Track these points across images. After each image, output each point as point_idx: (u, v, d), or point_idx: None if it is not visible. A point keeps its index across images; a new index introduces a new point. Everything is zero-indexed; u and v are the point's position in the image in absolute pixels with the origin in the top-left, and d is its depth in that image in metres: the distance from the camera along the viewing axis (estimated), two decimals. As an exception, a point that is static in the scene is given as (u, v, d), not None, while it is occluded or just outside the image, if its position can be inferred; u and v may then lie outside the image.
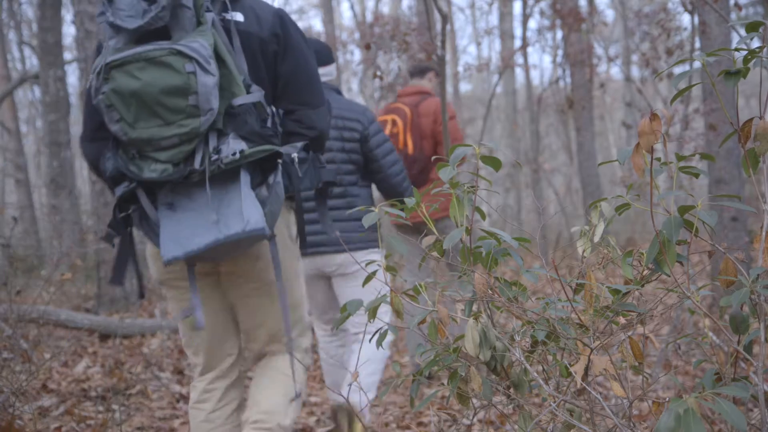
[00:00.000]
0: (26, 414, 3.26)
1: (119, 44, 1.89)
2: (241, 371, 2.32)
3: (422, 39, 7.52)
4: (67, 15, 13.40)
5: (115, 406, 3.65)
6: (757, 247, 1.39)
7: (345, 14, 35.57)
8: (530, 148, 11.90)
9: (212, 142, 1.92)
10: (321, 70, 3.19)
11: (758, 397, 1.29)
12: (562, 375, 1.62)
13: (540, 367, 1.65)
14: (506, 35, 12.75)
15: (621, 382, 1.46)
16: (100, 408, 3.65)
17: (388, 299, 1.66)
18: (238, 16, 2.06)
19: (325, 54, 3.28)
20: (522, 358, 1.53)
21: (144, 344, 5.24)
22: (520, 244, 1.63)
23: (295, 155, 2.07)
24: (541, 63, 36.43)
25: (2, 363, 3.43)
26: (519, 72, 14.38)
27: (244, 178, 1.94)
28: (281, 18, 2.12)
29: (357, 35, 12.39)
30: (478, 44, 21.93)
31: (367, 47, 7.25)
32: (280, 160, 2.01)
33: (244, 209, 1.89)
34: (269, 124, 2.04)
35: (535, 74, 33.12)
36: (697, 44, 6.29)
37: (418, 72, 4.51)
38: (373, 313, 1.67)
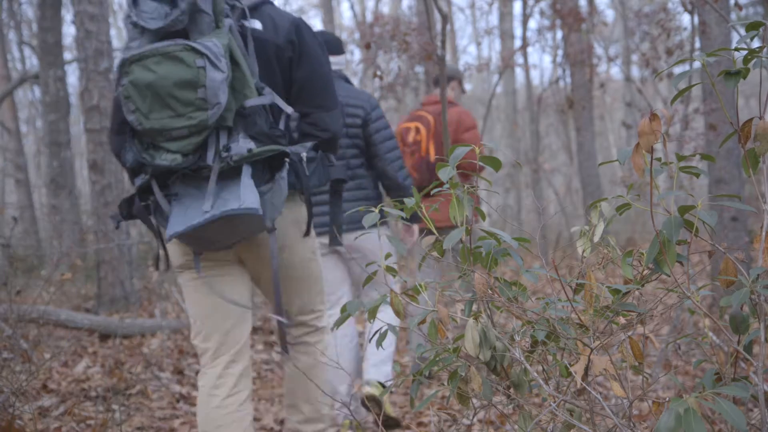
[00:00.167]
0: (26, 414, 3.26)
1: (142, 45, 2.03)
2: (250, 360, 2.40)
3: (422, 39, 7.52)
4: (67, 15, 13.40)
5: (115, 406, 3.65)
6: (757, 247, 1.39)
7: (345, 14, 35.59)
8: (530, 148, 11.90)
9: (223, 140, 2.05)
10: (332, 59, 3.29)
11: (758, 397, 1.29)
12: (562, 375, 1.62)
13: (540, 367, 1.65)
14: (506, 35, 12.75)
15: (621, 382, 1.46)
16: (100, 408, 3.65)
17: (389, 299, 1.66)
18: (257, 24, 2.20)
19: (335, 45, 3.45)
20: (522, 358, 1.53)
21: (144, 344, 5.24)
22: (520, 244, 1.63)
23: (304, 154, 2.19)
24: (541, 63, 36.45)
25: (2, 363, 3.43)
26: (519, 72, 14.38)
27: (246, 170, 2.06)
28: (297, 26, 2.25)
29: (357, 35, 12.39)
30: (478, 44, 21.93)
31: (367, 47, 7.25)
32: (287, 159, 2.13)
33: (242, 192, 2.02)
34: (282, 125, 2.18)
35: (535, 74, 33.13)
36: (697, 44, 6.28)
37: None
38: (372, 313, 1.67)
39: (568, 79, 10.69)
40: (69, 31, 20.19)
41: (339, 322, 1.67)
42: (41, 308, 4.79)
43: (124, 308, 6.59)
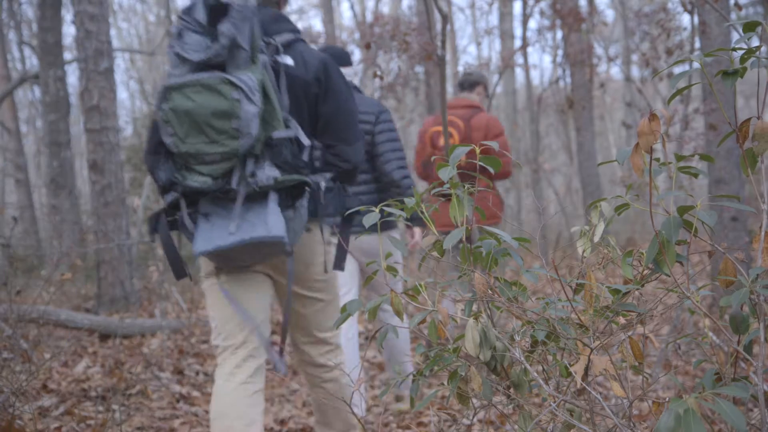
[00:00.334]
0: (26, 414, 3.26)
1: (183, 73, 2.20)
2: (264, 362, 2.52)
3: (422, 39, 7.53)
4: (67, 15, 13.40)
5: (115, 406, 3.65)
6: (756, 247, 1.39)
7: (345, 14, 35.57)
8: (530, 148, 11.90)
9: (250, 167, 2.22)
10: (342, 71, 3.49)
11: (758, 397, 1.29)
12: (562, 375, 1.62)
13: (540, 367, 1.65)
14: (506, 35, 12.75)
15: (621, 382, 1.46)
16: (100, 408, 3.65)
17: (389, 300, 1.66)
18: (289, 60, 2.37)
19: (344, 57, 3.64)
20: (522, 358, 1.53)
21: (144, 344, 5.24)
22: (520, 244, 1.63)
23: (322, 184, 2.37)
24: (541, 63, 36.40)
25: (2, 363, 3.43)
26: (519, 72, 14.39)
27: (273, 197, 2.25)
28: (325, 64, 2.43)
29: (357, 35, 12.39)
30: (478, 44, 21.93)
31: (367, 47, 7.25)
32: (307, 188, 2.31)
33: (269, 219, 2.20)
34: (305, 156, 2.33)
35: (535, 74, 33.13)
36: (697, 44, 6.28)
37: (468, 85, 4.68)
38: (373, 313, 1.67)
39: (568, 79, 10.69)
40: (69, 31, 20.21)
41: (339, 322, 1.68)
42: (41, 308, 4.79)
43: (124, 308, 6.59)
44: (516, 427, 1.60)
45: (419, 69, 10.72)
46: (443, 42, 4.36)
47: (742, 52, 1.33)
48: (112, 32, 18.77)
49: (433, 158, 4.24)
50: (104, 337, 5.36)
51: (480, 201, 4.41)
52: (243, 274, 2.43)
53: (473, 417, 1.79)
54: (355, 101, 2.53)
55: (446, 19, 4.33)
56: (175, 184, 2.27)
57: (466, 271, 1.60)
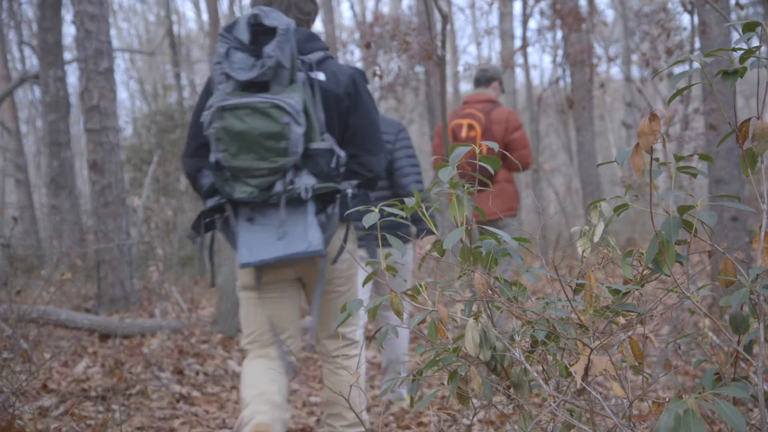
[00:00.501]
0: (26, 414, 3.26)
1: (229, 89, 2.42)
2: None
3: (422, 39, 7.52)
4: (67, 15, 13.40)
5: (115, 406, 3.65)
6: (756, 247, 1.39)
7: (345, 14, 35.58)
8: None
9: (290, 176, 2.44)
10: None
11: (758, 397, 1.29)
12: (562, 375, 1.62)
13: (540, 367, 1.65)
14: (506, 35, 12.74)
15: (621, 382, 1.46)
16: (100, 408, 3.65)
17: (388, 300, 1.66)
18: (321, 76, 2.55)
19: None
20: (522, 358, 1.53)
21: (144, 344, 5.24)
22: (520, 244, 1.63)
23: (349, 191, 2.57)
24: (541, 63, 36.36)
25: (2, 363, 3.43)
26: (519, 72, 14.37)
27: (311, 208, 2.48)
28: (354, 80, 2.61)
29: (357, 35, 12.39)
30: (478, 44, 21.93)
31: (367, 47, 7.25)
32: (338, 195, 2.54)
33: (308, 234, 2.44)
34: (334, 164, 2.53)
35: (535, 74, 33.13)
36: (697, 44, 6.28)
37: (484, 81, 4.79)
38: (372, 313, 1.67)
39: (568, 79, 10.69)
40: (69, 31, 20.21)
41: (340, 322, 1.68)
42: (41, 308, 4.79)
43: (124, 308, 6.59)
44: (516, 427, 1.60)
45: (419, 69, 10.71)
46: (443, 42, 4.36)
47: (742, 52, 1.33)
48: (112, 32, 18.77)
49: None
50: (104, 337, 5.36)
51: (500, 194, 4.59)
52: (278, 285, 2.64)
53: (473, 417, 1.79)
54: (378, 115, 2.71)
55: (446, 19, 4.32)
56: (218, 191, 2.50)
57: (466, 271, 1.60)
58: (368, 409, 3.92)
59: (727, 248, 1.43)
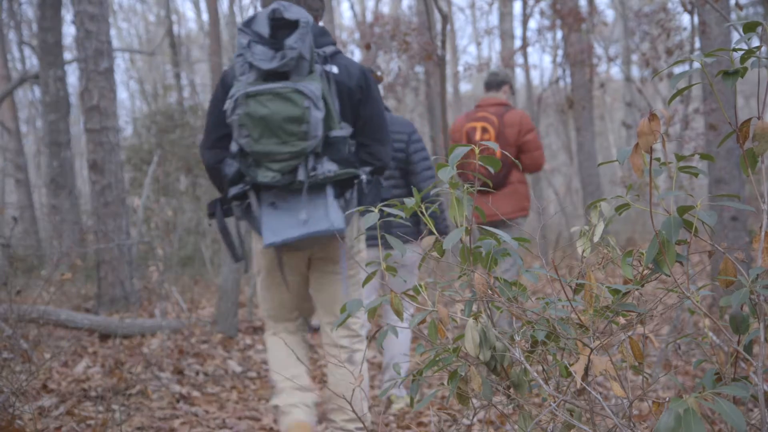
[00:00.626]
0: (26, 414, 3.26)
1: (250, 79, 2.53)
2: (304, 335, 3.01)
3: (422, 39, 7.52)
4: (67, 15, 13.41)
5: (115, 406, 3.65)
6: (756, 247, 1.39)
7: (345, 14, 35.58)
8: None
9: (311, 162, 2.57)
10: None
11: (758, 397, 1.29)
12: (562, 375, 1.62)
13: (540, 367, 1.65)
14: (506, 35, 12.74)
15: (621, 382, 1.46)
16: (100, 408, 3.65)
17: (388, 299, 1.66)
18: (334, 69, 2.68)
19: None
20: (522, 358, 1.53)
21: (144, 344, 5.24)
22: (520, 244, 1.62)
23: (364, 177, 2.70)
24: (541, 63, 36.40)
25: (2, 363, 3.43)
26: (519, 72, 14.38)
27: (330, 191, 2.61)
28: (364, 73, 2.74)
29: (357, 35, 12.39)
30: (478, 44, 21.93)
31: (367, 47, 7.25)
32: (356, 181, 2.67)
33: (330, 213, 2.57)
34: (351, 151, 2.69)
35: (535, 74, 33.11)
36: (697, 44, 6.28)
37: (495, 85, 4.93)
38: (372, 313, 1.67)
39: (568, 79, 10.69)
40: (69, 31, 20.21)
41: (339, 323, 1.68)
42: (41, 308, 4.78)
43: (124, 308, 6.59)
44: (516, 427, 1.60)
45: (419, 69, 10.71)
46: (443, 42, 4.36)
47: (743, 52, 1.33)
48: (112, 32, 18.76)
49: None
50: (104, 337, 5.36)
51: (513, 194, 4.71)
52: (292, 268, 2.80)
53: (473, 417, 1.79)
54: (384, 108, 2.85)
55: (446, 19, 4.32)
56: (243, 178, 2.62)
57: (465, 271, 1.60)
58: (369, 408, 3.92)
59: (727, 248, 1.43)
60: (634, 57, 12.62)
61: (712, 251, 1.45)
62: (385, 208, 1.65)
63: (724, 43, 5.20)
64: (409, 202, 1.64)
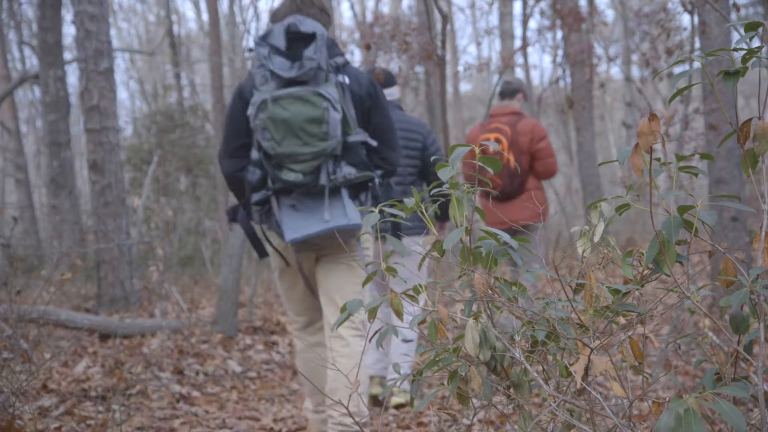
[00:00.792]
0: (26, 414, 3.26)
1: (272, 87, 2.68)
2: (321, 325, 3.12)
3: (422, 39, 7.52)
4: (67, 15, 13.39)
5: (115, 406, 3.65)
6: (756, 247, 1.39)
7: (345, 14, 35.57)
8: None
9: (331, 166, 2.72)
10: (386, 91, 4.06)
11: (758, 397, 1.29)
12: (562, 375, 1.62)
13: (540, 367, 1.65)
14: (506, 35, 12.74)
15: (621, 382, 1.46)
16: (100, 408, 3.65)
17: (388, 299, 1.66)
18: (346, 79, 2.82)
19: (389, 78, 4.13)
20: (522, 358, 1.53)
21: (144, 344, 5.24)
22: (520, 244, 1.62)
23: (377, 180, 2.85)
24: (541, 63, 36.42)
25: (2, 363, 3.43)
26: (519, 72, 14.38)
27: (345, 192, 2.76)
28: (372, 83, 2.89)
29: (357, 35, 12.39)
30: (478, 44, 21.94)
31: (367, 47, 7.25)
32: (371, 183, 2.82)
33: (348, 211, 2.72)
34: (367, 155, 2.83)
35: (535, 74, 33.08)
36: (697, 44, 6.28)
37: (509, 94, 5.10)
38: (372, 313, 1.67)
39: (568, 79, 10.70)
40: (69, 31, 20.18)
41: (339, 322, 1.68)
42: (41, 308, 4.78)
43: (124, 308, 6.59)
44: (516, 427, 1.60)
45: (419, 69, 10.71)
46: (443, 42, 4.36)
47: (743, 52, 1.33)
48: (112, 32, 18.75)
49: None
50: (104, 337, 5.36)
51: (530, 201, 4.86)
52: (307, 266, 2.93)
53: (473, 417, 1.79)
54: (391, 114, 2.99)
55: (446, 19, 4.33)
56: (265, 183, 2.77)
57: (466, 271, 1.60)
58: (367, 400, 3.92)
59: (728, 248, 1.43)
60: (634, 57, 12.62)
61: (712, 251, 1.45)
62: (387, 209, 1.65)
63: (724, 43, 5.20)
64: (410, 202, 1.64)
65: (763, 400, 1.28)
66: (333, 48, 2.86)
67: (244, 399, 4.22)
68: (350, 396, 1.83)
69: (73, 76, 18.97)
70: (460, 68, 13.07)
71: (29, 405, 3.37)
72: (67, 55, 13.08)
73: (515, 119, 4.93)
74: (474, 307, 1.62)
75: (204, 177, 12.28)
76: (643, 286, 1.53)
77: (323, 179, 2.70)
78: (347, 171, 2.74)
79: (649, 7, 10.26)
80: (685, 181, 6.68)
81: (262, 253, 2.96)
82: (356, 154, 2.76)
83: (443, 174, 1.55)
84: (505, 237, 1.59)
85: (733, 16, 5.76)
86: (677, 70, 7.55)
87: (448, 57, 13.90)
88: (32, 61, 16.07)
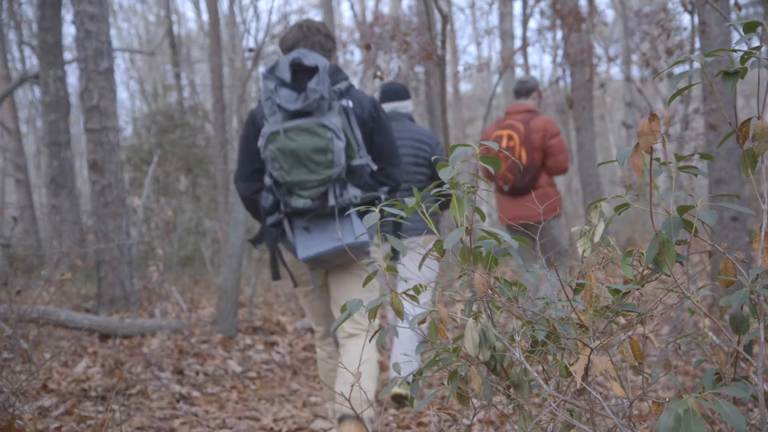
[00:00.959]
0: (26, 414, 3.26)
1: (278, 119, 2.88)
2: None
3: (422, 39, 7.52)
4: (67, 15, 13.40)
5: (115, 406, 3.65)
6: (756, 247, 1.39)
7: (345, 14, 35.58)
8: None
9: (338, 189, 2.91)
10: (401, 104, 4.28)
11: (758, 397, 1.29)
12: (562, 375, 1.62)
13: (540, 367, 1.65)
14: (506, 35, 12.74)
15: (621, 382, 1.46)
16: (100, 408, 3.65)
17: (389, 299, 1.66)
18: (349, 103, 2.99)
19: (403, 92, 4.30)
20: (522, 358, 1.53)
21: (144, 344, 5.24)
22: (520, 244, 1.62)
23: (383, 196, 3.01)
24: (541, 63, 36.41)
25: (2, 363, 3.43)
26: (519, 72, 14.37)
27: (354, 213, 2.93)
28: (374, 105, 3.05)
29: (357, 35, 12.39)
30: (478, 44, 21.94)
31: (367, 47, 7.24)
32: (376, 201, 2.99)
33: (356, 229, 2.91)
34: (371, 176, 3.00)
35: (535, 74, 33.06)
36: (697, 44, 6.28)
37: (524, 92, 5.22)
38: (373, 313, 1.67)
39: (568, 79, 10.69)
40: (69, 31, 20.21)
41: (340, 322, 1.68)
42: (41, 308, 4.78)
43: (124, 308, 6.59)
44: (516, 427, 1.60)
45: (419, 69, 10.71)
46: (443, 42, 4.36)
47: (743, 52, 1.33)
48: (112, 32, 18.77)
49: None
50: (104, 337, 5.36)
51: (543, 197, 4.93)
52: (318, 280, 3.12)
53: (473, 417, 1.79)
54: (393, 132, 3.15)
55: (446, 19, 4.33)
56: (278, 207, 2.97)
57: (466, 271, 1.60)
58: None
59: (727, 248, 1.43)
60: (634, 57, 12.61)
61: (712, 251, 1.45)
62: (387, 209, 1.65)
63: (724, 43, 5.20)
64: (410, 202, 1.64)
65: (763, 400, 1.28)
66: (337, 74, 3.02)
67: (244, 399, 4.22)
68: (351, 386, 1.82)
69: (73, 76, 19.00)
70: (460, 68, 13.07)
71: (29, 405, 3.37)
72: (67, 55, 13.09)
73: (529, 117, 5.03)
74: (474, 307, 1.62)
75: (204, 177, 12.29)
76: (643, 286, 1.53)
77: (331, 202, 2.89)
78: (353, 193, 2.92)
79: (649, 7, 10.25)
80: (685, 181, 6.68)
81: (276, 275, 3.17)
82: (360, 176, 2.93)
83: (444, 174, 1.55)
84: (506, 237, 1.59)
85: (733, 16, 5.76)
86: (677, 70, 7.55)
87: (448, 57, 13.91)
88: (32, 61, 16.07)
